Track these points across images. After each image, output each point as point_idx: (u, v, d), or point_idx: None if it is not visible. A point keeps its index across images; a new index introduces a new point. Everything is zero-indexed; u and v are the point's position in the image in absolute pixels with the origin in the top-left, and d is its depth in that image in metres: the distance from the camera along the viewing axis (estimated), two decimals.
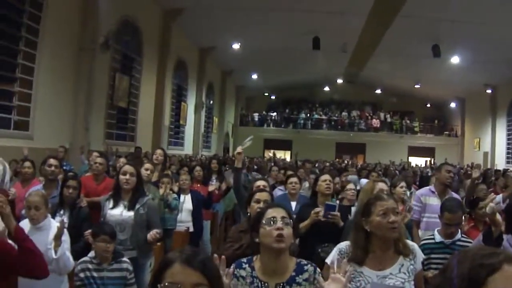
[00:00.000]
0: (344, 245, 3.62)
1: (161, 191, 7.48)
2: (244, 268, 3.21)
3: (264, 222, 3.15)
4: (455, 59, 24.95)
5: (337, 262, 2.98)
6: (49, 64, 13.72)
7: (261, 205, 4.36)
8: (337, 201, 6.76)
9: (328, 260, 3.58)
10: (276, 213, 3.18)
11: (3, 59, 12.23)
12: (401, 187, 6.96)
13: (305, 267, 3.18)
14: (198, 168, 10.09)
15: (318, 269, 3.23)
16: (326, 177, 6.32)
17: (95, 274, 4.76)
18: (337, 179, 9.59)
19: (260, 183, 5.93)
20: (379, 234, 3.41)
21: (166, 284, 1.85)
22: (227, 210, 11.54)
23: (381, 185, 5.93)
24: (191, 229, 8.47)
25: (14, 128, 12.80)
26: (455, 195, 6.76)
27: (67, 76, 14.76)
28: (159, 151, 8.90)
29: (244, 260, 3.28)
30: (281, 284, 3.10)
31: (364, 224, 3.45)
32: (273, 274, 3.14)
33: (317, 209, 5.70)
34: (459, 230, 5.09)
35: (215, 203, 10.14)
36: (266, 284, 3.12)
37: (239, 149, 6.36)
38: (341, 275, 2.70)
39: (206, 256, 2.01)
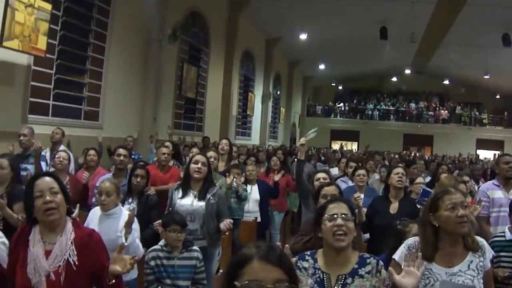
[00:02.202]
0: (412, 240, 3.52)
1: (228, 180, 7.35)
2: (307, 260, 3.19)
3: (325, 217, 3.15)
4: None
5: (409, 255, 2.98)
6: (118, 55, 13.84)
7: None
8: None
9: (396, 256, 3.48)
10: (337, 209, 3.17)
11: (74, 51, 12.40)
12: (466, 181, 6.65)
13: (368, 260, 3.13)
14: (274, 158, 10.10)
15: (381, 262, 3.16)
16: (399, 170, 6.14)
17: (165, 262, 4.81)
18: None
19: (320, 175, 5.88)
20: (448, 229, 3.30)
21: (247, 282, 1.79)
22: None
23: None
24: (259, 219, 8.50)
25: (85, 118, 13.00)
26: None
27: (135, 67, 14.86)
28: (224, 141, 8.76)
29: (308, 252, 3.27)
30: (343, 276, 3.06)
31: (432, 219, 3.35)
32: (335, 266, 3.11)
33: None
34: None
35: (293, 192, 10.19)
36: (328, 275, 3.09)
37: (302, 140, 6.35)
38: (415, 268, 2.70)
39: (281, 251, 1.95)
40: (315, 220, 3.30)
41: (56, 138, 8.62)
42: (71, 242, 3.04)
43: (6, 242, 3.61)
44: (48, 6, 10.20)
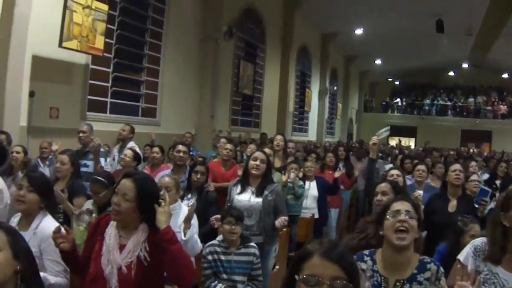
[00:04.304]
0: (479, 241, 3.31)
1: (284, 178, 7.16)
2: (366, 261, 3.07)
3: (388, 214, 3.03)
4: None
5: (471, 262, 2.96)
6: (174, 53, 13.91)
7: (378, 197, 4.45)
8: None
9: (460, 257, 3.32)
10: (401, 206, 3.04)
11: (131, 50, 12.57)
12: None
13: (428, 265, 2.96)
14: (330, 154, 9.88)
15: (442, 269, 2.97)
16: (456, 166, 5.83)
17: (222, 258, 4.74)
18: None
19: (394, 172, 5.86)
20: None
21: (304, 276, 1.82)
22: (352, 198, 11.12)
23: None
24: (316, 216, 8.31)
25: (142, 115, 13.14)
26: None
27: (192, 64, 14.89)
28: (279, 137, 8.59)
29: (366, 252, 3.14)
30: (401, 281, 2.92)
31: (503, 219, 3.13)
32: (394, 269, 2.98)
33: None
34: None
35: (347, 190, 10.03)
36: (386, 279, 2.96)
37: (374, 139, 6.30)
38: (469, 283, 2.53)
39: (344, 248, 1.94)
40: (377, 217, 3.21)
41: (123, 135, 8.58)
42: (145, 240, 3.07)
43: None
44: (104, 7, 10.37)
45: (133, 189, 3.06)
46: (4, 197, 4.55)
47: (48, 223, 3.61)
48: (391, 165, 10.30)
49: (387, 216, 3.02)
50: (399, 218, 2.95)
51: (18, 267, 2.31)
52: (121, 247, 3.06)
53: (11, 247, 2.32)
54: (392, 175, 5.69)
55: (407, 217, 2.95)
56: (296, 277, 1.84)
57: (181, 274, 3.11)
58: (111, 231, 3.13)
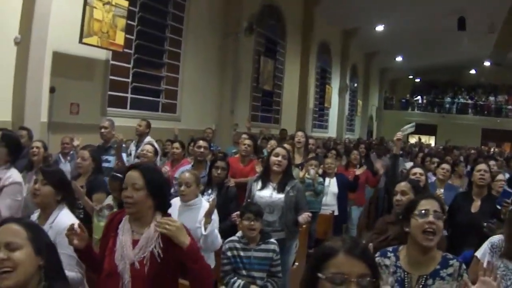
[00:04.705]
0: (497, 238, 3.40)
1: (301, 174, 7.08)
2: (389, 257, 3.07)
3: (416, 213, 2.98)
4: None
5: (488, 259, 2.98)
6: (194, 49, 13.95)
7: (398, 196, 4.37)
8: None
9: (478, 254, 3.41)
10: (429, 205, 2.99)
11: (151, 46, 12.61)
12: None
13: (450, 262, 2.94)
14: (355, 152, 9.77)
15: (464, 266, 2.96)
16: (481, 166, 5.65)
17: (242, 254, 4.71)
18: None
19: (417, 170, 5.85)
20: None
21: (331, 274, 1.77)
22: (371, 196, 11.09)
23: None
24: (336, 213, 8.28)
25: (163, 110, 13.19)
26: None
27: (212, 60, 14.89)
28: (300, 133, 8.46)
29: (390, 249, 3.14)
30: (424, 277, 2.91)
31: None
32: (417, 265, 2.96)
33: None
34: None
35: (372, 188, 10.03)
36: (409, 275, 2.95)
37: (398, 135, 6.23)
38: (492, 278, 2.49)
39: (365, 245, 1.92)
40: (403, 214, 3.15)
41: (140, 131, 8.54)
42: (158, 235, 3.02)
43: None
44: (125, 3, 10.42)
45: (141, 177, 3.06)
46: (23, 190, 4.55)
47: (64, 217, 3.62)
48: (411, 163, 10.18)
49: (415, 216, 2.97)
50: (428, 220, 2.91)
51: (41, 263, 2.30)
52: (134, 243, 3.05)
53: (32, 243, 2.29)
54: (415, 174, 5.66)
55: (435, 219, 2.92)
56: (320, 275, 1.79)
57: (202, 285, 3.09)
58: (124, 227, 3.13)
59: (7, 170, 4.42)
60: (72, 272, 3.39)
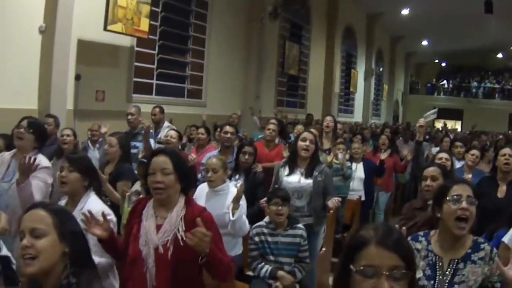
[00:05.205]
0: None
1: (329, 158, 6.97)
2: (420, 241, 3.03)
3: (448, 198, 2.92)
4: None
5: None
6: (219, 34, 13.85)
7: (428, 182, 4.28)
8: None
9: (505, 239, 3.38)
10: (462, 190, 2.93)
11: (176, 32, 12.57)
12: None
13: (482, 245, 2.90)
14: (383, 137, 9.75)
15: (495, 250, 2.94)
16: (506, 151, 5.44)
17: (269, 239, 4.73)
18: None
19: (443, 155, 5.86)
20: None
21: (362, 268, 1.70)
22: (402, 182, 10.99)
23: None
24: (363, 198, 8.21)
25: (188, 96, 13.16)
26: None
27: (237, 45, 14.80)
28: (329, 118, 8.42)
29: (421, 233, 3.10)
30: (456, 260, 2.88)
31: None
32: (448, 249, 2.93)
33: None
34: None
35: (400, 174, 9.93)
36: (441, 258, 2.92)
37: (421, 121, 6.24)
38: None
39: (400, 234, 1.83)
40: (435, 199, 3.07)
41: (156, 119, 8.47)
42: (181, 219, 3.07)
43: (114, 219, 3.73)
44: None
45: (169, 162, 3.10)
46: (52, 174, 4.55)
47: (94, 204, 3.64)
48: (437, 149, 10.01)
49: (448, 201, 2.91)
50: (461, 206, 2.85)
51: (66, 250, 2.30)
52: (158, 227, 3.08)
53: (57, 229, 2.29)
54: (441, 159, 5.63)
55: (468, 205, 2.86)
56: (352, 267, 1.72)
57: (214, 277, 3.17)
58: (148, 212, 3.16)
59: (34, 156, 4.39)
60: (102, 258, 3.40)
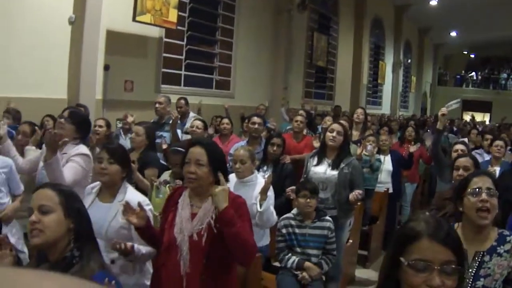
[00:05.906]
0: None
1: (359, 150, 6.89)
2: None
3: (468, 191, 2.88)
4: None
5: None
6: (247, 26, 13.79)
7: (460, 172, 4.28)
8: None
9: None
10: (481, 182, 2.89)
11: (204, 23, 12.56)
12: None
13: (508, 238, 2.86)
14: (410, 128, 9.64)
15: None
16: None
17: (297, 231, 4.74)
18: None
19: (459, 147, 5.79)
20: None
21: (413, 261, 1.70)
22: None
23: None
24: (390, 190, 8.13)
25: (216, 87, 13.17)
26: None
27: (265, 36, 14.71)
28: (359, 110, 8.47)
29: None
30: (481, 253, 2.83)
31: None
32: (473, 242, 2.86)
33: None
34: None
35: (427, 164, 9.78)
36: (465, 251, 2.68)
37: (443, 110, 6.05)
38: None
39: (450, 227, 1.83)
40: (456, 192, 3.04)
41: (182, 111, 8.39)
42: (215, 208, 3.09)
43: (152, 208, 3.79)
44: None
45: (204, 154, 3.14)
46: (91, 162, 4.55)
47: (133, 195, 3.73)
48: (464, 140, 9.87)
49: (468, 195, 2.87)
50: (481, 198, 2.81)
51: (71, 226, 2.44)
52: (193, 216, 3.15)
53: (63, 207, 2.45)
54: (457, 150, 5.58)
55: (488, 196, 2.82)
56: (403, 260, 1.71)
57: (235, 255, 3.14)
58: (184, 201, 3.22)
59: (75, 146, 4.49)
60: (148, 247, 3.46)
